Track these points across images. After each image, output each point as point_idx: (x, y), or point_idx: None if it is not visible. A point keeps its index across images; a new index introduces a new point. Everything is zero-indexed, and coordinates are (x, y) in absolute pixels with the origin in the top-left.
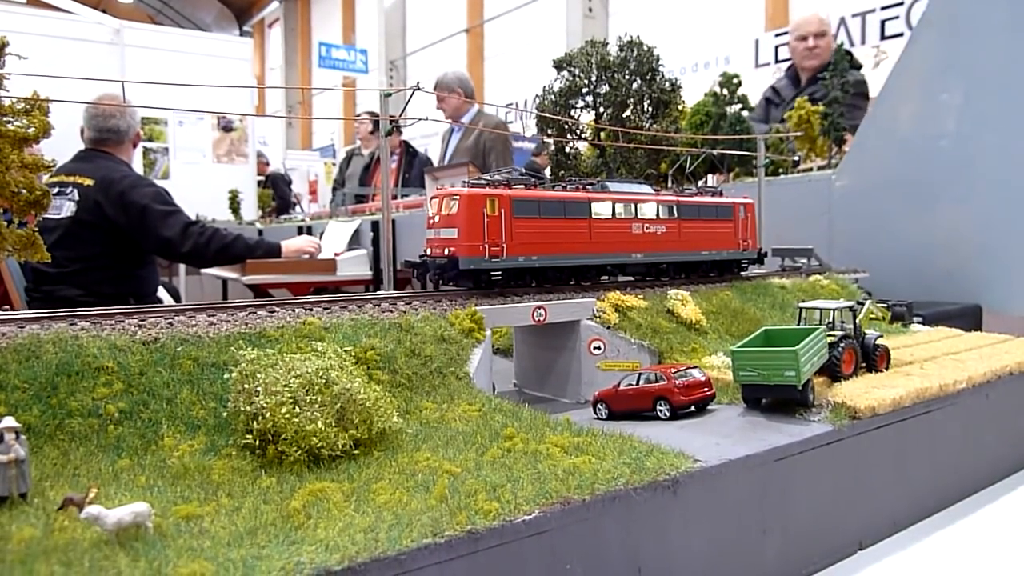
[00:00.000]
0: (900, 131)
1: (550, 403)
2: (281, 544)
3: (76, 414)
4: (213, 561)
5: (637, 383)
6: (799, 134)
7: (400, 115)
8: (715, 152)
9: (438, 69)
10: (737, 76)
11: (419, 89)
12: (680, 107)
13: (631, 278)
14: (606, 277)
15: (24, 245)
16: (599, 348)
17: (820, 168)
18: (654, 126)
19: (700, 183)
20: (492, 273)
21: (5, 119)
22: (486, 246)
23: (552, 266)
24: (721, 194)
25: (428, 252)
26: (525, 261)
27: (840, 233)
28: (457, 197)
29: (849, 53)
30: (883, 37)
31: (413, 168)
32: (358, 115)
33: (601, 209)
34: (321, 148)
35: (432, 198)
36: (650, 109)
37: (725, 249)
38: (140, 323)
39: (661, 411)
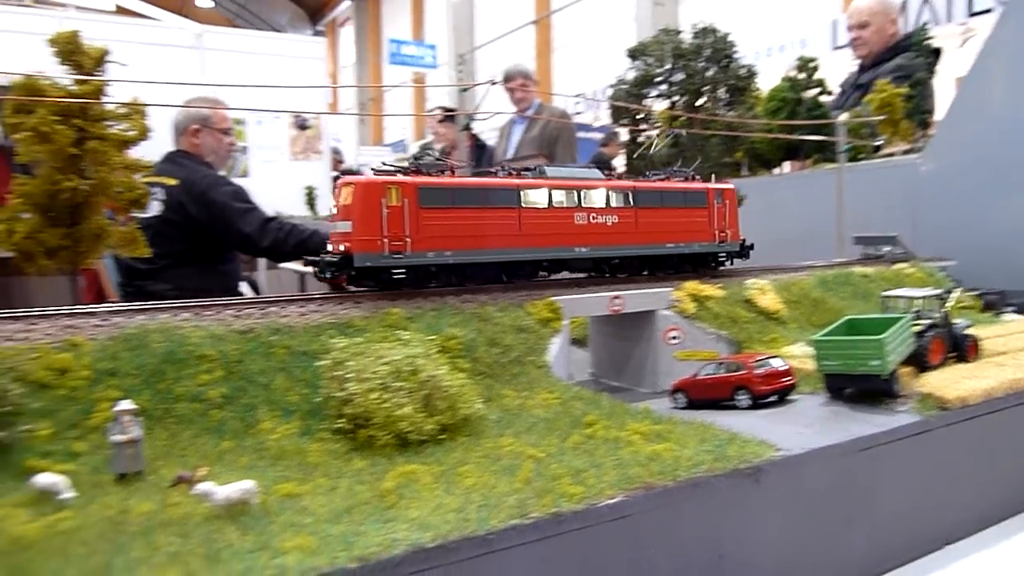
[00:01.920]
0: (991, 112)
1: (626, 392)
2: (376, 522)
3: (182, 399)
4: (315, 536)
5: (716, 372)
6: (881, 118)
7: (476, 108)
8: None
9: (506, 62)
10: (814, 60)
11: (496, 83)
12: (756, 93)
13: (582, 274)
14: (545, 274)
15: (126, 242)
16: (676, 338)
17: (904, 153)
18: (730, 113)
19: (775, 170)
20: (393, 271)
21: (107, 123)
22: (385, 240)
23: (470, 263)
24: (694, 178)
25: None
26: (436, 257)
27: (926, 219)
28: (352, 186)
29: (909, 36)
30: (971, 14)
31: (482, 161)
32: (430, 110)
33: (534, 197)
34: (393, 143)
35: (334, 188)
36: (725, 96)
37: (697, 241)
38: (236, 314)
39: (741, 400)
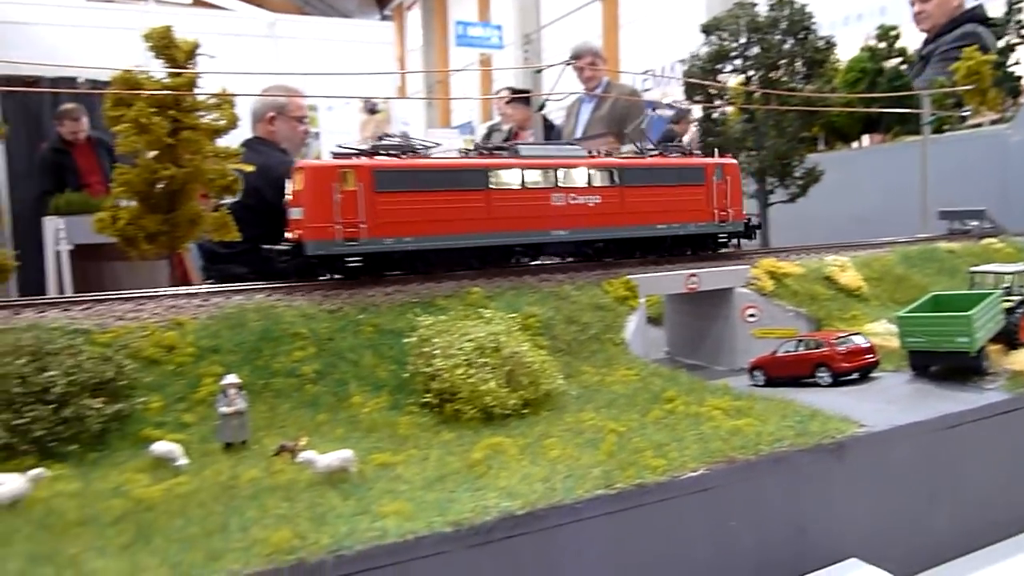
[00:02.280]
0: None
1: (703, 370)
2: (468, 490)
3: (278, 374)
4: (411, 502)
5: (796, 350)
6: (969, 88)
7: (552, 90)
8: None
9: (573, 40)
10: (895, 28)
11: (570, 63)
12: (835, 65)
13: (560, 259)
14: (526, 259)
15: (219, 226)
16: (754, 315)
17: (992, 123)
18: (807, 87)
19: (854, 144)
20: (348, 259)
21: (199, 114)
22: (338, 227)
23: (433, 249)
24: (691, 154)
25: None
26: (395, 244)
27: (1017, 192)
28: (303, 171)
29: (972, 8)
30: None
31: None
32: (497, 92)
33: (505, 178)
34: (460, 125)
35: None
36: (803, 69)
37: (693, 221)
38: (325, 294)
39: (821, 377)
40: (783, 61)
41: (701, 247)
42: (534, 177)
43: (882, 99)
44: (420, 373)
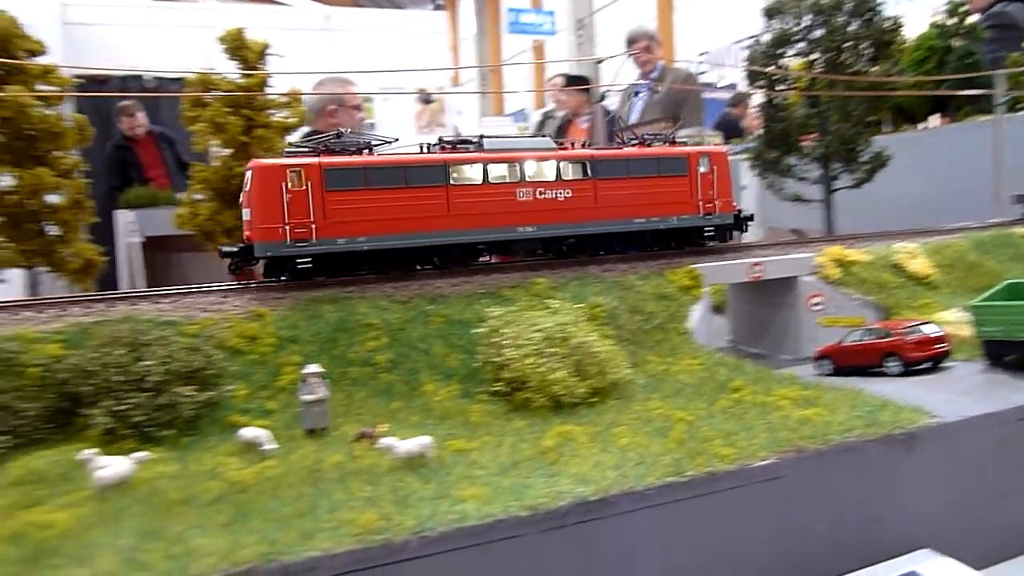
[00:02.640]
0: None
1: (767, 359)
2: (541, 476)
3: (354, 363)
4: (488, 486)
5: (864, 339)
6: None
7: (616, 78)
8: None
9: (625, 24)
10: (964, 3)
11: (632, 53)
12: (902, 46)
13: (530, 257)
14: (487, 257)
15: None
16: (819, 304)
17: None
18: (873, 69)
19: (920, 125)
20: (299, 261)
21: (271, 112)
22: (287, 228)
23: (388, 248)
24: (674, 143)
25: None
26: (347, 244)
27: None
28: (251, 170)
29: None
30: None
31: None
32: (550, 79)
33: (466, 173)
34: (513, 113)
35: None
36: (869, 51)
37: (675, 215)
38: (395, 286)
39: (891, 367)
40: (848, 44)
41: (686, 241)
42: (498, 171)
43: (952, 80)
44: (490, 362)
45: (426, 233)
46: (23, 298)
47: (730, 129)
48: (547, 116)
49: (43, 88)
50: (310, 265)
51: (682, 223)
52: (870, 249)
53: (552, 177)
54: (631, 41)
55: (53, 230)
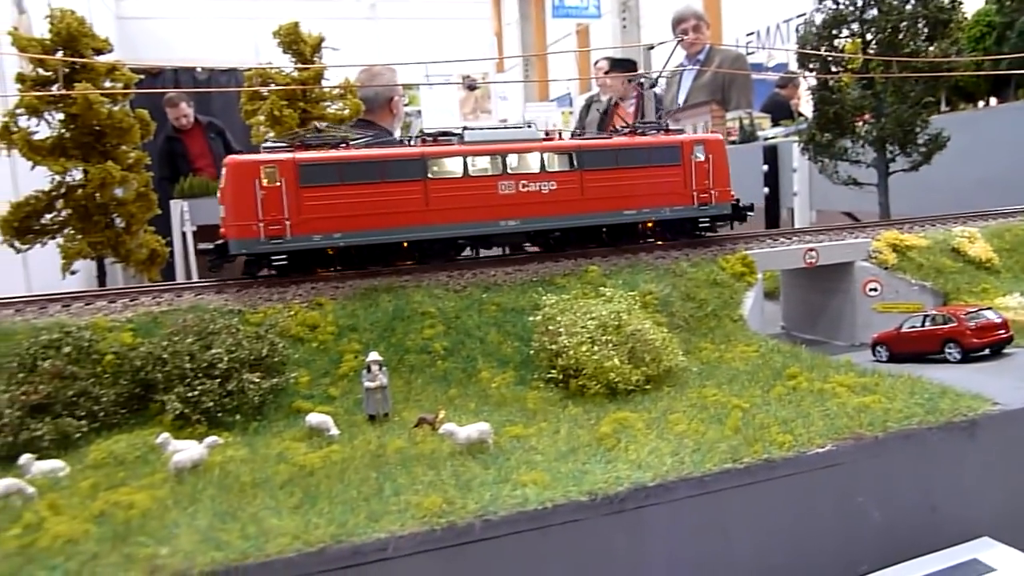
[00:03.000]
0: None
1: (821, 346)
2: (599, 462)
3: (411, 351)
4: (547, 472)
5: (922, 325)
6: None
7: (666, 63)
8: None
9: (671, 4)
10: None
11: (681, 40)
12: (961, 24)
13: (520, 250)
14: (468, 251)
15: None
16: (875, 290)
17: None
18: (930, 49)
19: (981, 104)
20: (274, 258)
21: (325, 104)
22: (261, 225)
23: (365, 244)
24: (667, 131)
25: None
26: (323, 240)
27: None
28: (225, 167)
29: None
30: None
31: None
32: (595, 63)
33: (446, 166)
34: (558, 98)
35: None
36: (925, 31)
37: (668, 206)
38: (449, 274)
39: (950, 354)
40: (904, 23)
41: (680, 233)
42: (479, 164)
43: (1012, 58)
44: (545, 350)
45: (404, 228)
46: (95, 289)
47: (779, 111)
48: (592, 100)
49: (109, 85)
50: (285, 262)
51: (675, 214)
52: (927, 233)
53: (536, 169)
54: (678, 21)
55: (119, 222)
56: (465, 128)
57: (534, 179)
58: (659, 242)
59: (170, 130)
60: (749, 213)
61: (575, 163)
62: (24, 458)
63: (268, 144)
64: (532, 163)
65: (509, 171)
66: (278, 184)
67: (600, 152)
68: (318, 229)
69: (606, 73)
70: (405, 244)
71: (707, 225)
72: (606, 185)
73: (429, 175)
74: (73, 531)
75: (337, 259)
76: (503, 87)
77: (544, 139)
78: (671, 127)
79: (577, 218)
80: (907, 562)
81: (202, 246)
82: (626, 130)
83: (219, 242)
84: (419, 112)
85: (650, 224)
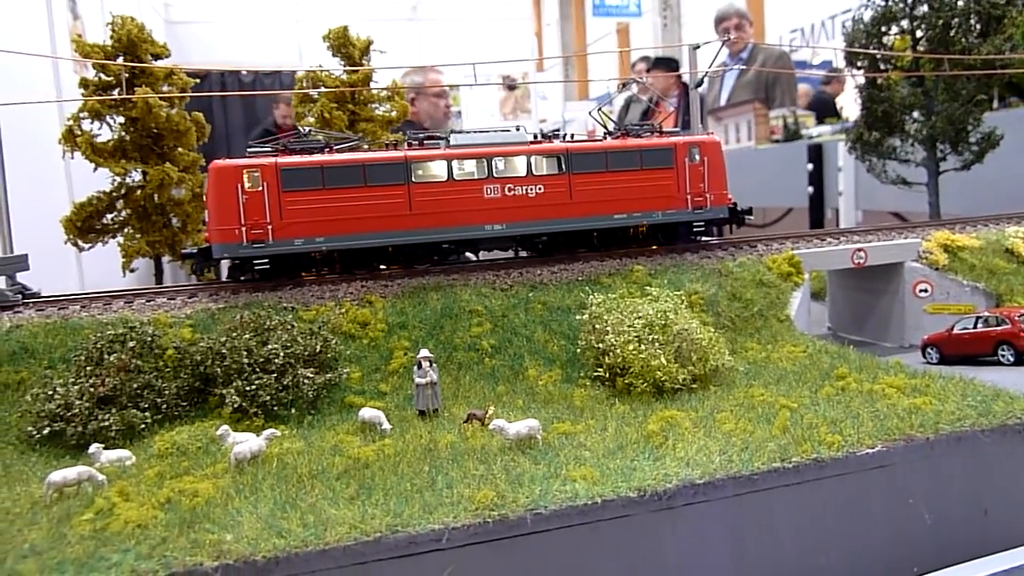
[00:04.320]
0: None
1: (869, 347)
2: (647, 459)
3: (459, 348)
4: (596, 468)
5: (974, 327)
6: None
7: (712, 64)
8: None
9: (712, 3)
10: None
11: (728, 40)
12: (1015, 20)
13: (505, 254)
14: (454, 256)
15: None
16: (926, 291)
17: None
18: (983, 45)
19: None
20: (256, 262)
21: (374, 106)
22: (243, 229)
23: (348, 248)
24: (660, 133)
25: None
26: (305, 244)
27: None
28: (207, 172)
29: None
30: None
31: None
32: (633, 64)
33: (431, 170)
34: (598, 97)
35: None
36: (978, 26)
37: (660, 209)
38: (496, 273)
39: (1003, 356)
40: (956, 19)
41: (674, 237)
42: (463, 168)
43: None
44: (591, 348)
45: (387, 233)
46: (156, 286)
47: (824, 108)
48: (632, 100)
49: (167, 89)
50: (268, 266)
51: (667, 218)
52: (980, 234)
53: (523, 172)
54: (720, 19)
55: (176, 222)
56: (452, 132)
57: (520, 183)
58: (654, 247)
59: (270, 124)
60: (748, 217)
61: (563, 166)
62: (93, 447)
63: (252, 149)
64: (519, 166)
65: (495, 175)
66: (260, 189)
67: (589, 155)
68: (300, 233)
69: (647, 71)
70: (390, 249)
71: (702, 229)
72: (595, 188)
73: (413, 179)
74: (142, 517)
75: (321, 263)
76: (543, 86)
77: (532, 142)
78: (665, 129)
79: (565, 222)
80: (959, 565)
81: (186, 251)
82: (618, 132)
83: (203, 246)
84: (459, 112)
85: (643, 228)
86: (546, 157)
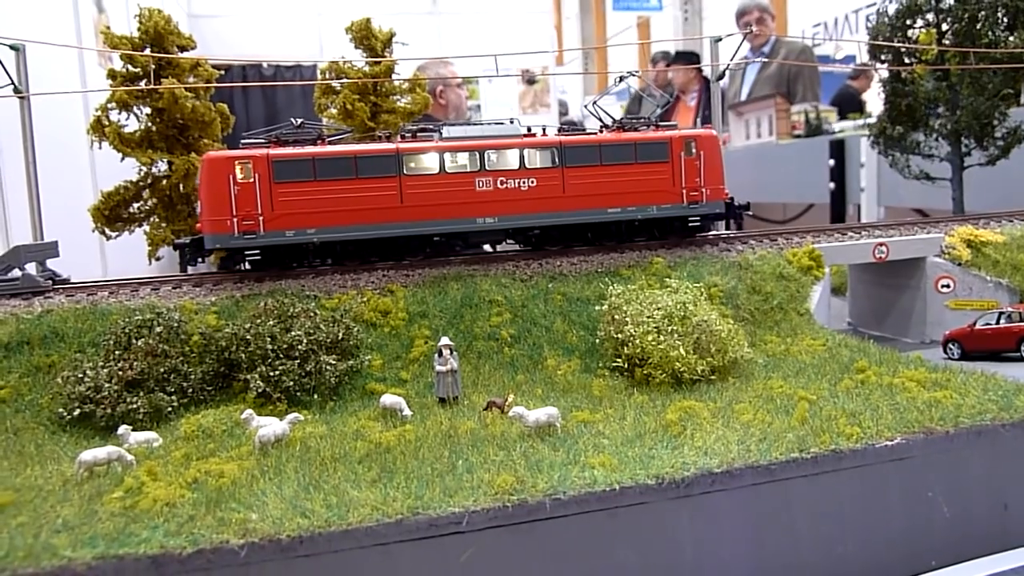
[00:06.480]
0: None
1: (890, 342)
2: (666, 447)
3: (479, 337)
4: (615, 456)
5: (997, 322)
6: None
7: (733, 58)
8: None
9: None
10: None
11: (748, 34)
12: None
13: (495, 249)
14: (448, 249)
15: None
16: (948, 286)
17: None
18: (1010, 39)
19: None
20: (247, 253)
21: (395, 98)
22: (235, 220)
23: (339, 240)
24: (656, 126)
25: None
26: (296, 236)
27: None
28: (200, 163)
29: None
30: None
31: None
32: (652, 58)
33: (423, 162)
34: (618, 91)
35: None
36: (1005, 20)
37: (654, 204)
38: (516, 264)
39: None
40: (983, 12)
41: (668, 231)
42: (455, 160)
43: None
44: (610, 339)
45: (379, 225)
46: (181, 274)
47: (849, 103)
48: (646, 94)
49: (192, 81)
50: (259, 257)
51: (662, 213)
52: (1004, 229)
53: (515, 165)
54: (741, 13)
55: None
56: (444, 124)
57: (513, 176)
58: (650, 241)
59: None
60: (746, 212)
61: (556, 160)
62: (122, 428)
63: (246, 140)
64: (511, 159)
65: (487, 168)
66: (252, 180)
67: (583, 148)
68: (291, 225)
69: (668, 65)
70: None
71: (698, 224)
72: (589, 182)
73: (404, 171)
74: (170, 495)
75: (312, 254)
76: (562, 80)
77: (525, 135)
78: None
79: (558, 215)
80: (979, 559)
81: (177, 241)
82: (614, 126)
83: (194, 236)
84: (478, 106)
85: (637, 223)
86: (539, 150)
